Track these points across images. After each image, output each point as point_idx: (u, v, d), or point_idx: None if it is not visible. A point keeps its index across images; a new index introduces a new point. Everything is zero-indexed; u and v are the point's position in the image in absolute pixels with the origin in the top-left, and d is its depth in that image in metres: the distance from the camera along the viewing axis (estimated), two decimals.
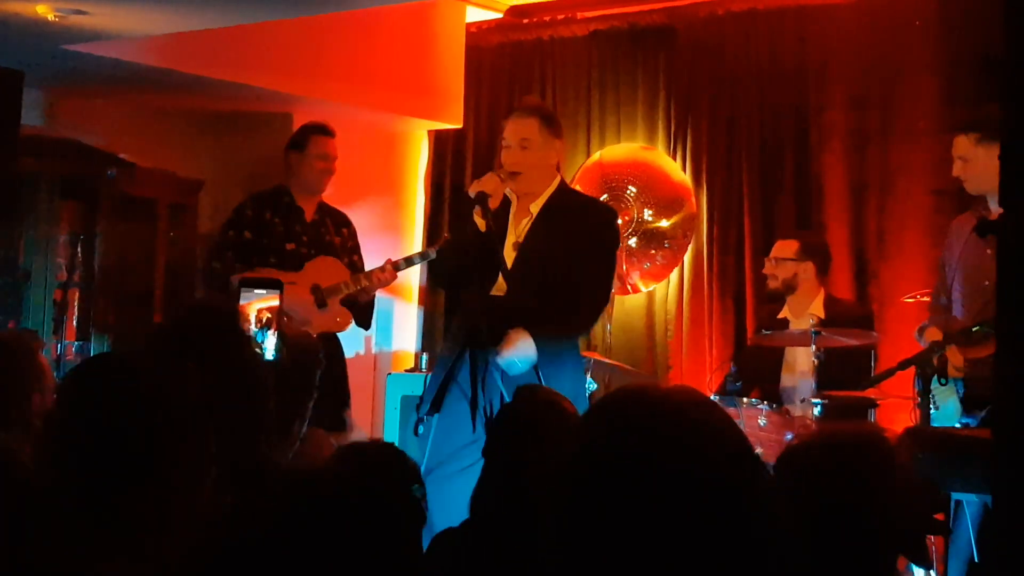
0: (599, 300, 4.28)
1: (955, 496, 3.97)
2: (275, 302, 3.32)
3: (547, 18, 6.86)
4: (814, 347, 4.97)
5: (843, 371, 5.02)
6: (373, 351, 6.94)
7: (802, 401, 5.15)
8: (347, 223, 5.57)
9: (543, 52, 6.86)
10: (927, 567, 3.91)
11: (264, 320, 3.51)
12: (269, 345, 3.20)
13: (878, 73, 5.89)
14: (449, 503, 3.99)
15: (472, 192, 4.12)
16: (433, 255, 5.39)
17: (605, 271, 4.29)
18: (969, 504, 4.09)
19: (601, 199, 5.99)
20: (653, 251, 6.27)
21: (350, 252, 5.50)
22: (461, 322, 4.26)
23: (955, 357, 4.29)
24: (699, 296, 6.29)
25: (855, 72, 5.96)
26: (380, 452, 1.74)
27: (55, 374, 4.34)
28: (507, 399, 4.03)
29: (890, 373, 4.22)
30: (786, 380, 5.40)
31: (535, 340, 4.03)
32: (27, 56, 5.31)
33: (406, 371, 6.52)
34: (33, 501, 1.86)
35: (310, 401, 2.98)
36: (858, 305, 5.61)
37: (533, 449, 2.71)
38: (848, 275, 5.85)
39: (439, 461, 4.15)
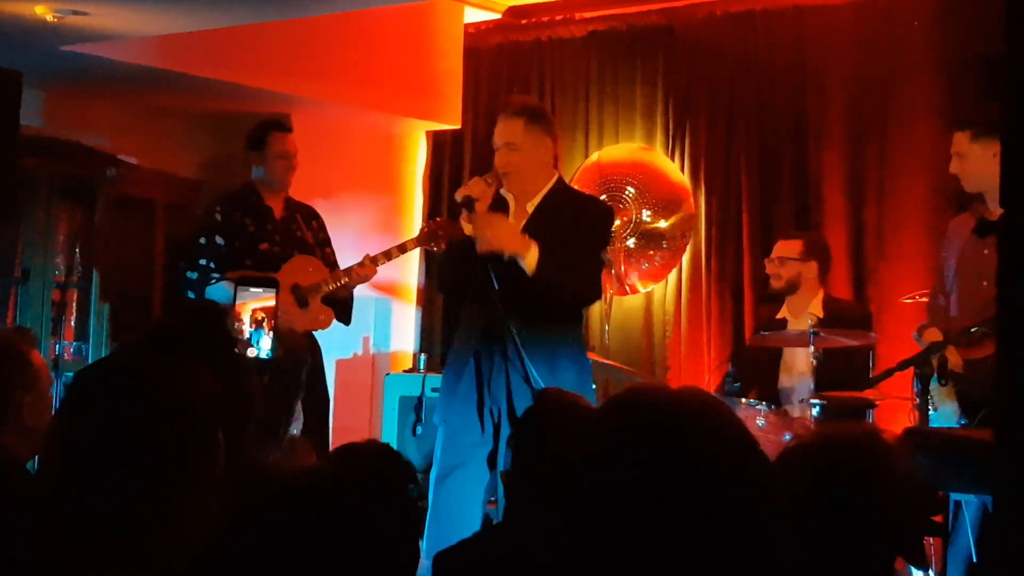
0: (589, 290, 4.24)
1: (954, 497, 3.97)
2: (270, 302, 3.31)
3: (545, 19, 6.86)
4: (812, 347, 4.98)
5: (842, 371, 5.03)
6: (371, 351, 6.94)
7: (800, 401, 5.15)
8: (315, 216, 5.51)
9: (541, 53, 6.86)
10: (924, 568, 3.91)
11: (259, 320, 3.51)
12: (264, 345, 3.19)
13: (876, 73, 5.90)
14: (463, 505, 3.99)
15: (458, 197, 4.10)
16: (410, 248, 5.38)
17: (590, 258, 4.25)
18: (968, 505, 4.09)
19: (608, 205, 5.99)
20: (651, 252, 6.28)
21: (321, 245, 5.45)
22: (466, 327, 4.25)
23: (954, 358, 4.29)
24: (697, 297, 6.29)
25: (853, 72, 5.96)
26: (375, 452, 1.73)
27: (51, 373, 4.35)
28: (514, 400, 4.04)
29: (889, 374, 4.21)
30: (784, 380, 5.41)
31: (533, 334, 4.03)
32: (26, 56, 5.30)
33: (404, 372, 6.52)
34: (29, 502, 1.86)
35: (297, 400, 2.98)
36: (857, 305, 5.62)
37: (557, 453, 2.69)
38: (847, 275, 5.86)
39: (451, 465, 4.14)
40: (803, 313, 5.31)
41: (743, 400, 5.16)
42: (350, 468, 1.58)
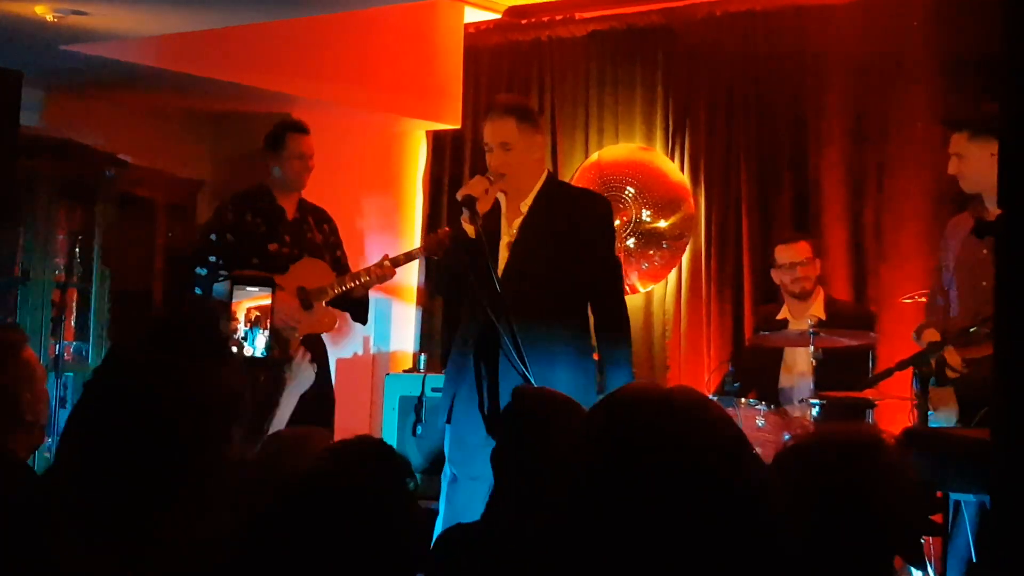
0: (621, 299, 4.31)
1: (953, 496, 3.97)
2: (266, 300, 3.31)
3: (545, 19, 6.86)
4: (812, 348, 4.98)
5: (842, 372, 5.03)
6: (371, 351, 6.94)
7: (800, 401, 5.16)
8: (327, 219, 5.53)
9: (541, 53, 6.86)
10: (923, 568, 3.92)
11: (254, 318, 3.51)
12: (259, 343, 3.19)
13: (875, 73, 5.90)
14: (474, 506, 4.00)
15: (460, 197, 4.07)
16: (416, 256, 5.40)
17: (614, 268, 4.31)
18: (967, 504, 4.09)
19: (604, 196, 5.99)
20: (651, 252, 6.28)
21: (332, 248, 5.46)
22: (465, 329, 4.25)
23: (952, 358, 4.29)
24: (697, 297, 6.29)
25: (853, 72, 5.96)
26: (371, 448, 1.73)
27: (48, 371, 4.33)
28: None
29: (888, 373, 4.22)
30: (784, 380, 5.41)
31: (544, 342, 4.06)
32: (26, 56, 5.30)
33: (404, 371, 6.52)
34: (32, 499, 1.86)
35: (280, 396, 2.97)
36: (859, 306, 5.62)
37: (542, 449, 2.71)
38: (846, 276, 5.86)
39: (460, 466, 4.16)
40: (805, 314, 5.31)
41: (742, 400, 5.16)
42: (350, 465, 1.58)
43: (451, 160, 7.10)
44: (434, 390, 5.67)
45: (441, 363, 6.42)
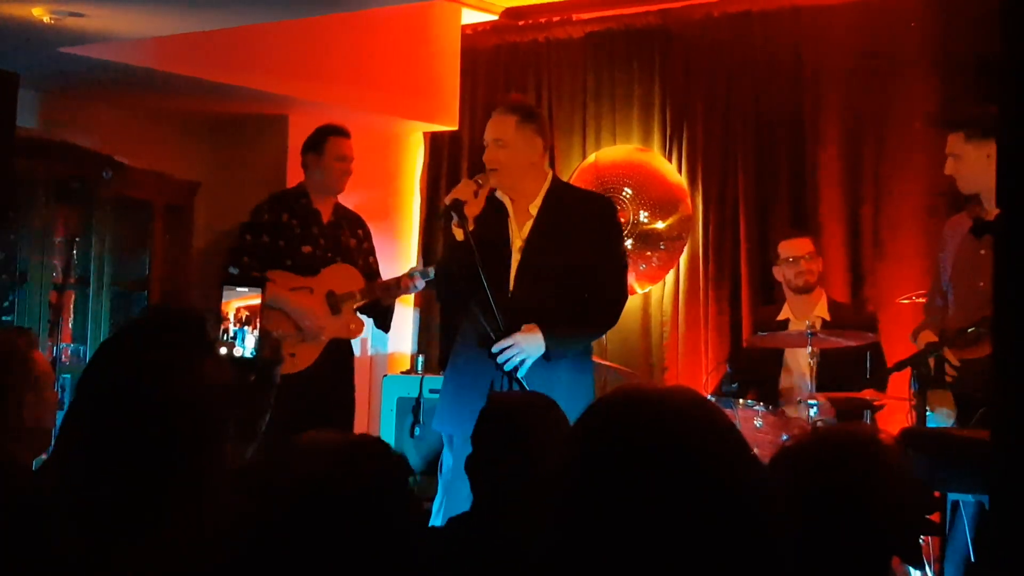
0: (623, 294, 4.30)
1: (952, 496, 3.98)
2: (256, 300, 3.31)
3: (543, 20, 6.87)
4: (810, 348, 4.99)
5: (844, 373, 5.04)
6: (369, 353, 6.94)
7: (799, 402, 5.16)
8: (362, 225, 5.55)
9: (538, 54, 6.87)
10: (921, 568, 3.92)
11: (243, 318, 3.50)
12: (248, 343, 3.19)
13: (873, 74, 5.90)
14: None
15: (448, 201, 4.08)
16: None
17: (622, 265, 4.31)
18: (965, 505, 4.09)
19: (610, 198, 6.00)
20: (649, 253, 6.28)
21: (365, 254, 5.48)
22: (463, 333, 4.26)
23: (950, 358, 4.29)
24: (695, 298, 6.29)
25: (850, 73, 5.97)
26: (370, 447, 1.73)
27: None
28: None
29: (891, 371, 4.23)
30: (785, 381, 5.42)
31: (554, 340, 4.05)
32: (23, 58, 5.30)
33: (402, 373, 6.52)
34: (35, 502, 1.85)
35: (271, 396, 2.96)
36: (862, 309, 5.59)
37: (516, 453, 2.72)
38: (844, 276, 5.86)
39: (460, 468, 4.17)
40: (808, 314, 5.32)
41: (741, 401, 5.16)
42: (347, 464, 1.58)
43: (448, 161, 7.10)
44: (432, 391, 5.67)
45: (439, 364, 6.43)
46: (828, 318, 5.34)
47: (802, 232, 5.61)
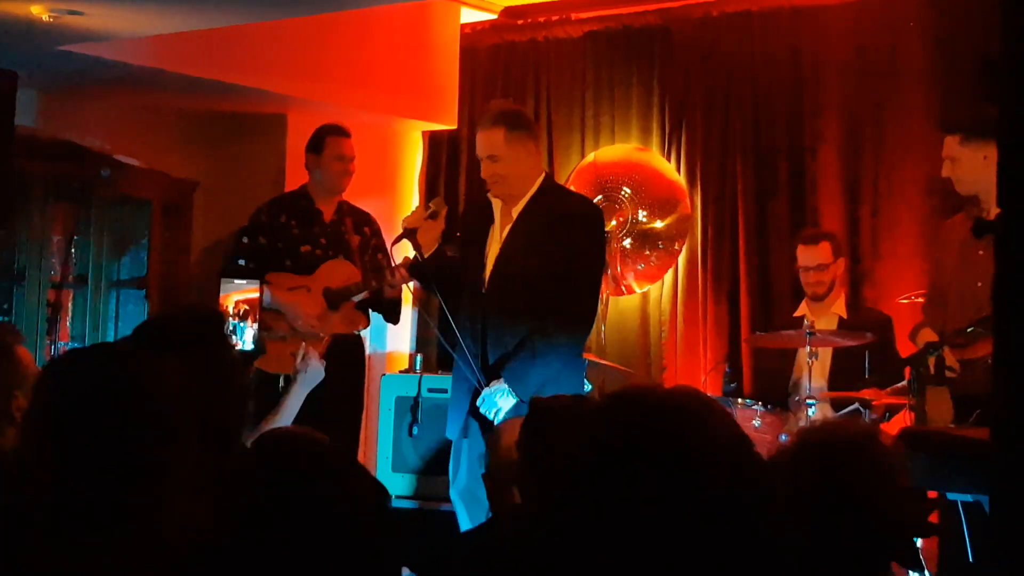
0: (590, 307, 4.32)
1: (950, 496, 3.97)
2: (254, 295, 3.32)
3: (541, 19, 6.86)
4: (808, 348, 4.99)
5: (856, 373, 5.05)
6: (367, 352, 6.93)
7: (796, 401, 5.16)
8: (369, 221, 5.54)
9: (537, 53, 6.86)
10: (919, 571, 3.92)
11: (242, 312, 3.51)
12: (247, 337, 3.20)
13: (872, 74, 5.90)
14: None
15: (402, 228, 4.29)
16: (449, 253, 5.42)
17: (594, 277, 4.31)
18: (964, 505, 4.09)
19: (595, 200, 6.00)
20: (647, 252, 6.28)
21: (373, 251, 5.46)
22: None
23: (949, 358, 4.29)
24: (693, 297, 6.29)
25: (849, 73, 5.97)
26: (347, 469, 1.72)
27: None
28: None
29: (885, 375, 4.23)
30: (797, 380, 5.40)
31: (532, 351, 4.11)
32: (21, 56, 5.30)
33: (400, 372, 6.51)
34: (17, 499, 1.85)
35: (239, 385, 2.97)
36: (877, 311, 5.54)
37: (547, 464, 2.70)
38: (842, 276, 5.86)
39: (476, 480, 4.20)
40: (826, 313, 5.32)
41: (739, 400, 5.17)
42: (325, 486, 1.58)
43: (447, 160, 7.10)
44: (430, 391, 5.67)
45: (437, 364, 6.43)
46: (845, 316, 5.34)
47: (822, 235, 5.51)
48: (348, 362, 5.28)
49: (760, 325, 5.96)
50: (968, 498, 3.97)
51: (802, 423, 4.93)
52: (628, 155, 6.43)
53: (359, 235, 5.44)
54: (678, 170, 6.35)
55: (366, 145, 6.93)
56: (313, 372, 3.53)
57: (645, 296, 6.42)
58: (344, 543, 1.49)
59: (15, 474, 1.88)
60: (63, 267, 5.90)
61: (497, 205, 4.31)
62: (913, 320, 4.89)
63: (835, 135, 5.97)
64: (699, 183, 6.31)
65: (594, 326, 6.21)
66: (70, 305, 5.97)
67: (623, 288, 6.32)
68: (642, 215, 6.24)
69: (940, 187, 5.16)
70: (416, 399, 5.62)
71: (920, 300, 4.99)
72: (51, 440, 1.81)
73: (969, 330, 4.12)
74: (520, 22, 6.93)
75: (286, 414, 3.31)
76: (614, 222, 6.17)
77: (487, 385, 4.14)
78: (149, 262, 6.28)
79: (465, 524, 4.25)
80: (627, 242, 6.21)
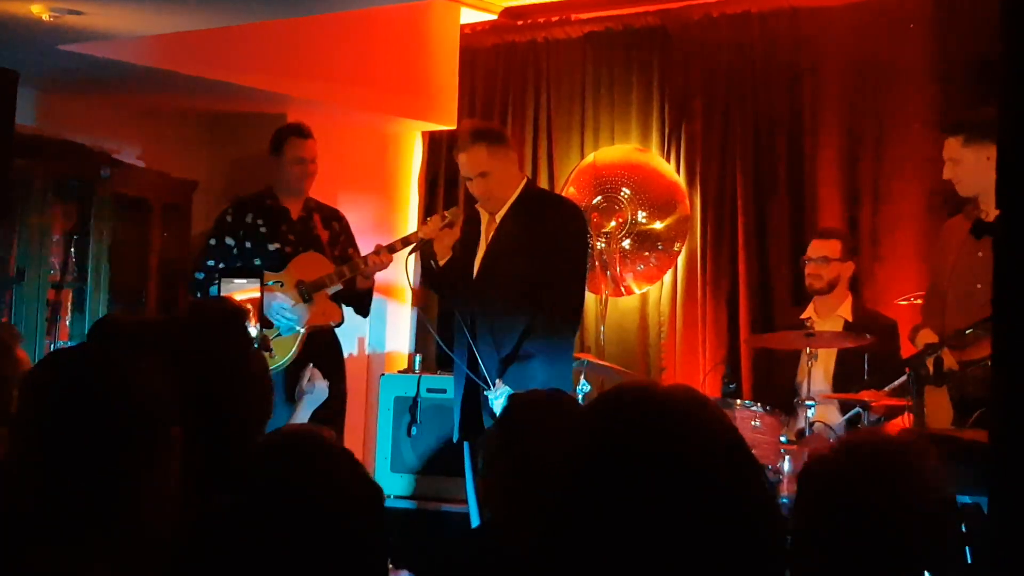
0: (575, 304, 4.39)
1: None
2: (255, 293, 3.32)
3: (541, 20, 6.86)
4: (808, 349, 4.99)
5: (861, 376, 5.04)
6: (366, 352, 6.94)
7: (796, 403, 5.16)
8: (338, 217, 5.56)
9: (537, 54, 6.86)
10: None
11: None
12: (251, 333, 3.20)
13: (872, 75, 5.90)
14: None
15: (414, 240, 4.48)
16: (412, 240, 5.42)
17: (577, 274, 4.39)
18: (963, 506, 4.09)
19: (595, 201, 6.01)
20: (646, 253, 6.28)
21: (343, 245, 5.48)
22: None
23: (948, 359, 4.29)
24: (692, 298, 6.29)
25: (849, 74, 5.97)
26: (349, 470, 1.72)
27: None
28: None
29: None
30: (801, 381, 5.40)
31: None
32: (22, 56, 5.30)
33: (399, 372, 6.52)
34: (7, 500, 1.85)
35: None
36: (884, 315, 5.53)
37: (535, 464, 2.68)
38: None
39: None
40: (831, 315, 5.32)
41: (738, 401, 5.17)
42: (320, 486, 1.58)
43: (446, 161, 7.08)
44: (429, 391, 5.67)
45: (436, 364, 6.43)
46: (851, 319, 5.33)
47: (835, 232, 5.51)
48: (325, 357, 5.27)
49: (759, 326, 5.96)
50: (967, 499, 3.97)
51: (801, 424, 4.93)
52: (628, 156, 6.43)
53: (328, 230, 5.45)
54: (678, 171, 6.35)
55: (365, 145, 6.95)
56: (319, 392, 3.57)
57: (644, 297, 6.42)
58: (333, 541, 1.49)
59: (3, 478, 1.88)
60: (63, 266, 5.90)
61: (485, 215, 4.42)
62: (912, 321, 4.89)
63: (835, 136, 5.97)
64: (699, 184, 6.31)
65: (593, 327, 6.28)
66: (70, 305, 5.96)
67: (622, 289, 6.32)
68: (641, 216, 6.24)
69: (940, 188, 5.17)
70: (415, 399, 5.62)
71: (919, 301, 4.98)
72: (35, 440, 1.81)
73: (968, 331, 4.12)
74: (520, 23, 6.93)
75: None
76: (614, 223, 6.18)
77: (492, 385, 4.17)
78: (148, 262, 6.28)
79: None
80: (626, 243, 6.21)
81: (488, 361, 4.26)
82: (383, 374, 6.46)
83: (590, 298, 5.89)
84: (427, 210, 7.07)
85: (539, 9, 6.88)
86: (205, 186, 6.58)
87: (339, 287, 5.25)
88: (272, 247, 5.29)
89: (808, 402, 4.91)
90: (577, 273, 4.40)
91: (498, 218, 4.38)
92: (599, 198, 6.16)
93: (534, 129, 6.80)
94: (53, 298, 5.83)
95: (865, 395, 4.95)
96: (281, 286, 5.18)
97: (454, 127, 6.91)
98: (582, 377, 5.18)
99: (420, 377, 5.73)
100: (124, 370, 1.86)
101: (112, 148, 6.15)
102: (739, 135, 6.23)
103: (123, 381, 1.84)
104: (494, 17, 7.01)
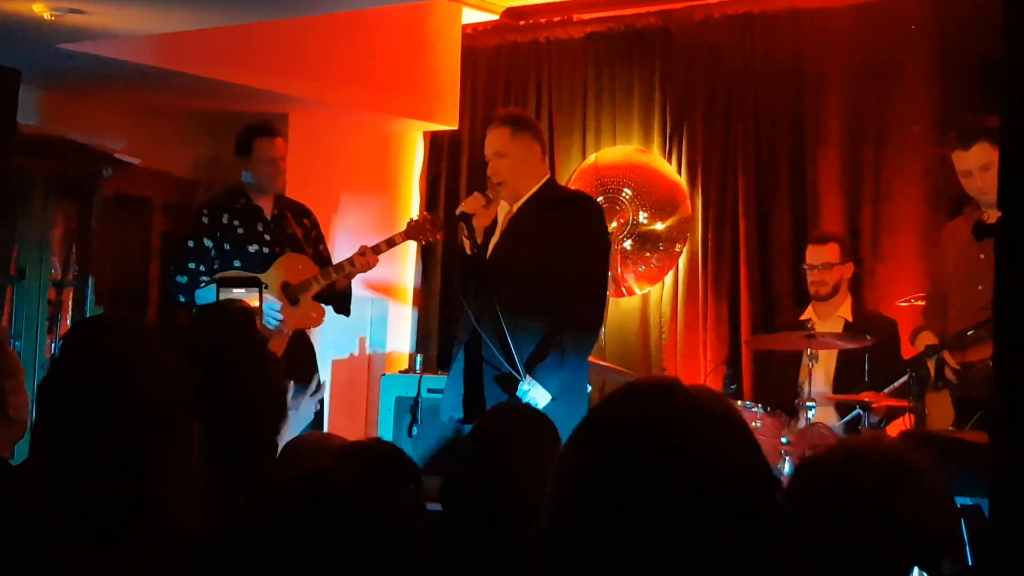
0: (597, 302, 4.35)
1: None
2: (254, 301, 3.32)
3: (543, 20, 6.86)
4: (808, 350, 4.99)
5: (862, 376, 5.04)
6: (367, 352, 6.94)
7: (795, 404, 5.16)
8: (307, 214, 5.52)
9: (539, 54, 6.86)
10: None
11: None
12: None
13: (873, 77, 5.90)
14: None
15: (457, 213, 4.28)
16: (398, 241, 5.40)
17: (598, 271, 4.35)
18: (963, 508, 4.09)
19: (596, 201, 6.00)
20: (648, 253, 6.28)
21: (314, 242, 5.45)
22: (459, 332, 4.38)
23: (950, 360, 4.30)
24: (693, 299, 6.29)
25: (850, 75, 5.97)
26: (379, 451, 1.73)
27: (42, 369, 4.32)
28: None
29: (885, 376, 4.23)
30: (803, 382, 5.39)
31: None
32: (23, 55, 5.30)
33: (400, 372, 6.52)
34: (17, 498, 1.85)
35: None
36: (884, 316, 5.53)
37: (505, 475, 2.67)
38: None
39: None
40: (831, 316, 5.32)
41: (739, 402, 5.17)
42: (356, 467, 1.57)
43: (448, 161, 7.10)
44: (430, 391, 5.67)
45: (437, 364, 6.43)
46: (851, 320, 5.33)
47: (831, 236, 5.50)
48: (303, 359, 5.26)
49: (760, 327, 5.96)
50: (967, 501, 3.97)
51: (801, 425, 4.93)
52: (629, 156, 6.43)
53: (300, 227, 5.42)
54: (679, 172, 6.35)
55: (366, 145, 6.96)
56: (304, 412, 3.52)
57: (645, 298, 6.42)
58: (360, 543, 1.49)
59: (26, 479, 1.88)
60: (63, 265, 5.90)
61: (503, 208, 4.38)
62: (913, 323, 4.90)
63: (836, 137, 5.97)
64: (700, 185, 6.31)
65: None
66: (70, 303, 5.97)
67: (623, 289, 6.32)
68: (643, 216, 6.24)
69: (941, 190, 5.17)
70: (416, 399, 5.62)
71: (920, 303, 4.98)
72: (57, 437, 1.81)
73: (969, 333, 4.12)
74: (522, 23, 6.93)
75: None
76: (615, 223, 6.17)
77: (519, 374, 4.14)
78: (149, 261, 6.28)
79: None
80: (628, 243, 6.21)
81: (490, 346, 4.21)
82: (384, 374, 6.46)
83: None
84: (428, 210, 7.07)
85: (541, 9, 6.88)
86: (206, 186, 6.58)
87: (324, 287, 5.24)
88: (252, 248, 5.23)
89: (809, 403, 4.91)
90: (601, 275, 4.39)
91: (515, 208, 4.36)
92: (600, 199, 6.16)
93: None
94: (54, 297, 5.83)
95: (866, 396, 4.95)
96: (266, 288, 5.17)
97: (455, 127, 6.92)
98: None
99: (421, 377, 5.73)
100: (143, 364, 1.86)
101: (113, 147, 6.16)
102: (740, 136, 6.23)
103: (142, 374, 1.84)
104: (496, 17, 7.01)
